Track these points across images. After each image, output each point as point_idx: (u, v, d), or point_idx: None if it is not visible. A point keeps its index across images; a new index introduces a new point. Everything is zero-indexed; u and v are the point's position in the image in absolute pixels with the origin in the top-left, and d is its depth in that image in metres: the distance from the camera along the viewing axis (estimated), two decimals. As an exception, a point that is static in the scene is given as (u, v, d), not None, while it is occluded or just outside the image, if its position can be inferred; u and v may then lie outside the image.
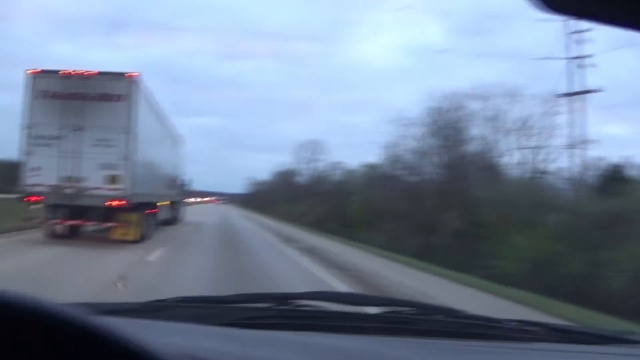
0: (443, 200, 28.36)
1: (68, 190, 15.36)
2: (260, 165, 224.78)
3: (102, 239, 17.02)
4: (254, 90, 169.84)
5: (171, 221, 27.63)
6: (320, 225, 41.25)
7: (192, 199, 68.83)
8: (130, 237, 16.59)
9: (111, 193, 15.42)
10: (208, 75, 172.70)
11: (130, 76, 15.87)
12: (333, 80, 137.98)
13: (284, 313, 2.20)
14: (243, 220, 51.97)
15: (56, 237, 16.23)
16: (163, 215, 24.33)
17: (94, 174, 15.41)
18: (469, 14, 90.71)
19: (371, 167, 58.87)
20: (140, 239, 17.10)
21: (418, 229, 27.28)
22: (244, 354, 1.50)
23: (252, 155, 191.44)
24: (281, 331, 1.95)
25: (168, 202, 25.73)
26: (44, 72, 15.87)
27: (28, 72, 15.71)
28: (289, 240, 24.24)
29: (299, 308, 2.24)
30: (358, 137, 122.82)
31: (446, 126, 35.14)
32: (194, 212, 47.82)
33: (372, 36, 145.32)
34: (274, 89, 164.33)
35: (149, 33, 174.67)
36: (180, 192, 32.24)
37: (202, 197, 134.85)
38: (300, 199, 71.86)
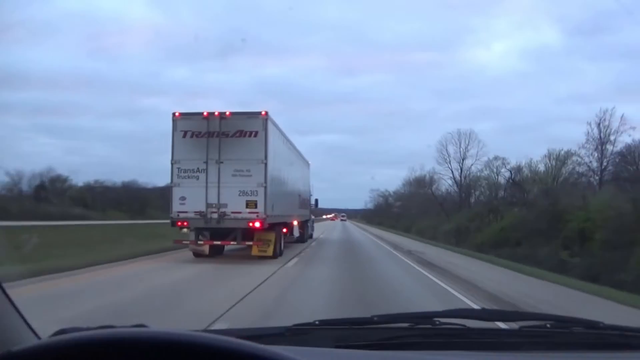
0: None
1: (212, 215, 17.71)
2: (381, 180, 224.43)
3: (242, 257, 19.32)
4: (373, 105, 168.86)
5: (302, 239, 29.77)
6: (511, 252, 28.23)
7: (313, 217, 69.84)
8: (267, 254, 18.72)
9: (250, 216, 17.59)
10: (326, 92, 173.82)
11: (263, 114, 18.04)
12: (451, 89, 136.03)
13: (425, 332, 2.23)
14: (374, 240, 41.36)
15: (202, 256, 18.58)
16: (295, 233, 26.54)
17: (234, 200, 17.64)
18: (586, 13, 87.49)
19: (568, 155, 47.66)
20: (277, 255, 19.25)
21: None
22: None
23: (372, 170, 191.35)
24: (424, 351, 2.02)
25: (299, 222, 27.88)
26: (187, 114, 18.36)
27: (174, 115, 18.24)
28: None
29: (440, 327, 2.25)
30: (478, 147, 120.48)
31: None
32: (317, 229, 48.13)
33: (488, 42, 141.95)
34: (393, 102, 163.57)
35: (264, 54, 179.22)
36: (309, 211, 34.45)
37: (323, 214, 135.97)
38: (447, 212, 60.05)
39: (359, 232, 61.99)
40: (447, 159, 65.66)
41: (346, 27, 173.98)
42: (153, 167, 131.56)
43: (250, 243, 18.54)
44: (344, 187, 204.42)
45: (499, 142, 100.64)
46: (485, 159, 62.11)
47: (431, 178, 76.02)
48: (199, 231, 18.27)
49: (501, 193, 56.77)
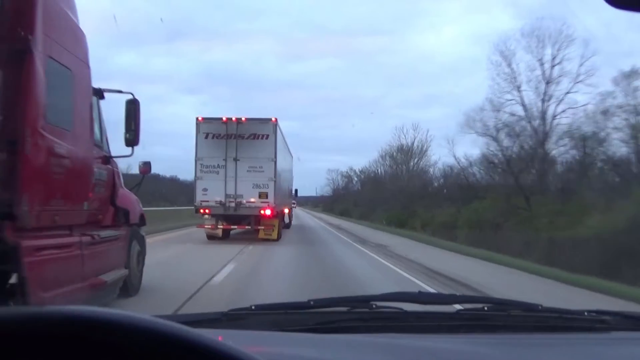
0: None
1: (230, 204, 21.23)
2: (333, 167, 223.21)
3: (246, 239, 22.82)
4: (323, 91, 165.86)
5: (289, 225, 33.53)
6: None
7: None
8: (272, 237, 22.27)
9: (262, 205, 21.16)
10: (275, 78, 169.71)
11: (273, 121, 21.64)
12: (401, 75, 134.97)
13: (362, 316, 2.27)
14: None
15: (215, 238, 22.07)
16: (286, 220, 30.31)
17: (248, 191, 21.17)
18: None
19: None
20: (279, 238, 22.85)
21: None
22: (328, 358, 1.61)
23: (322, 156, 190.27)
24: (361, 334, 2.08)
25: (289, 209, 31.64)
26: (209, 119, 21.85)
27: (197, 119, 21.70)
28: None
29: (377, 310, 2.27)
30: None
31: None
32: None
33: (438, 26, 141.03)
34: (343, 89, 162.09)
35: (212, 39, 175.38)
36: (291, 200, 38.24)
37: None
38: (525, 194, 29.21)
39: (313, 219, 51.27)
40: (514, 80, 33.48)
41: (294, 11, 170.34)
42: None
43: (262, 227, 22.14)
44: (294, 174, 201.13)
45: (450, 128, 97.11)
46: (601, 77, 31.61)
47: (422, 147, 61.35)
48: (217, 217, 21.78)
49: None
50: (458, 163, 40.37)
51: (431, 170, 58.21)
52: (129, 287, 9.46)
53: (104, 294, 8.22)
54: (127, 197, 9.96)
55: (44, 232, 6.40)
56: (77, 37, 7.46)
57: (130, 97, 9.38)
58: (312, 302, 2.27)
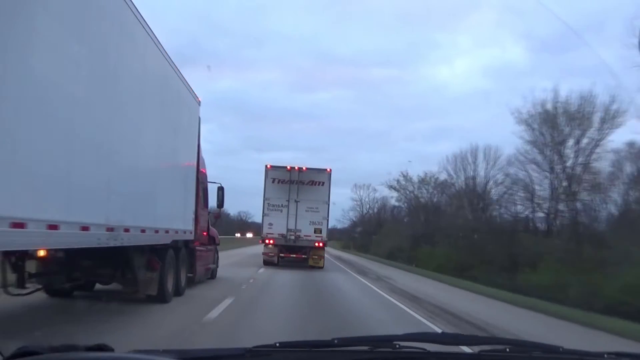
0: None
1: (290, 237, 26.26)
2: (338, 200, 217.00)
3: (297, 265, 27.53)
4: (331, 122, 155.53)
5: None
6: None
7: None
8: (319, 265, 27.04)
9: (316, 238, 26.22)
10: (283, 108, 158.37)
11: (328, 171, 26.77)
12: (411, 108, 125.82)
13: (385, 355, 2.28)
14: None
15: (271, 264, 26.89)
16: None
17: (306, 227, 26.23)
18: (550, 30, 76.89)
19: None
20: (323, 267, 27.68)
21: None
22: None
23: (333, 189, 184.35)
24: None
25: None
26: (275, 167, 27.00)
27: (267, 166, 26.84)
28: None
29: (399, 350, 2.28)
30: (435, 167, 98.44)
31: None
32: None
33: (450, 59, 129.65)
34: (351, 120, 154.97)
35: (219, 66, 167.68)
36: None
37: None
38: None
39: None
40: None
41: (302, 40, 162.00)
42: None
43: (314, 257, 26.97)
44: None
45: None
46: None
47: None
48: (280, 247, 26.80)
49: None
50: None
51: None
52: (213, 274, 18.49)
53: (208, 274, 17.59)
54: (213, 230, 18.92)
55: (199, 245, 15.42)
56: (203, 161, 16.01)
57: (219, 184, 18.77)
58: (335, 341, 2.30)
